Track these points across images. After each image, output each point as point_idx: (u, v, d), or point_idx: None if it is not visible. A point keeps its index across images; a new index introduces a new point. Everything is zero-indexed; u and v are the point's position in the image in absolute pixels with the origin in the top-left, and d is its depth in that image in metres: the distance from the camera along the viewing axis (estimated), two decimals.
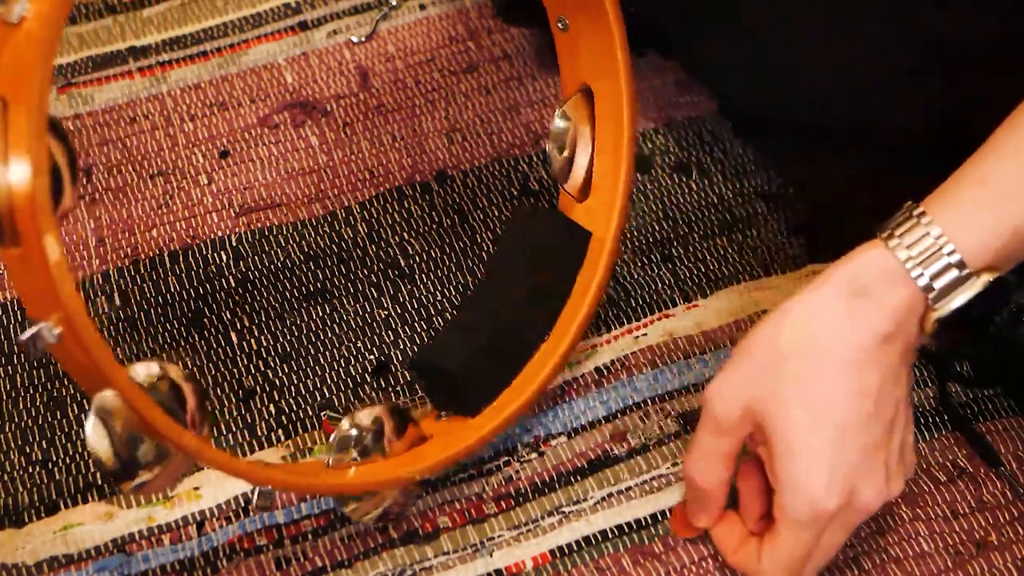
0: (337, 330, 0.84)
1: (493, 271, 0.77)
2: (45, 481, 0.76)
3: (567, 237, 0.76)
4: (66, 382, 0.81)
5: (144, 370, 0.58)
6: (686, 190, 0.92)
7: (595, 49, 0.74)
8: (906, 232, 0.61)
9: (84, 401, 0.80)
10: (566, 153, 0.76)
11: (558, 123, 0.76)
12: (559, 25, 0.75)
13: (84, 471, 0.77)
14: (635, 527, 0.75)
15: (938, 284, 0.60)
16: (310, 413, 0.80)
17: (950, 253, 0.60)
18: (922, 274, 0.60)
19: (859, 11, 0.78)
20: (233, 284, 0.86)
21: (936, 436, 0.79)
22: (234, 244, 0.88)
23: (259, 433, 0.79)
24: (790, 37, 0.80)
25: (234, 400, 0.81)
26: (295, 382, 0.82)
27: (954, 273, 0.60)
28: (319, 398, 0.81)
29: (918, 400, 0.81)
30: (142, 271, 0.87)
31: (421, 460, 0.69)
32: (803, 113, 0.82)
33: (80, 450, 0.78)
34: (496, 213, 0.90)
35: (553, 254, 0.76)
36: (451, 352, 0.73)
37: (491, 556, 0.74)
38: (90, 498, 0.76)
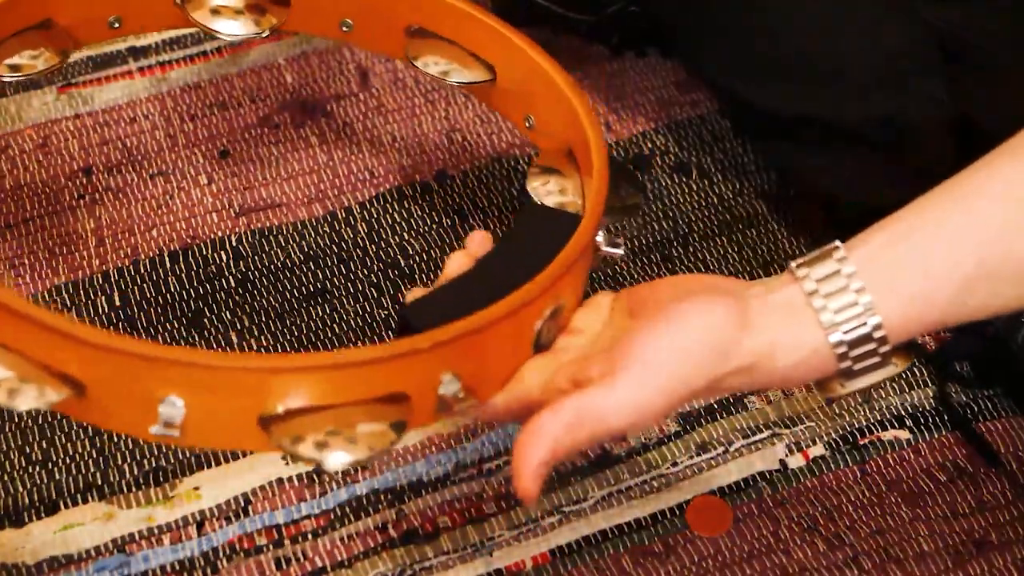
0: (337, 330, 0.84)
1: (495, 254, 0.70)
2: (45, 481, 0.76)
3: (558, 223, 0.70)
4: None
5: None
6: (686, 190, 0.92)
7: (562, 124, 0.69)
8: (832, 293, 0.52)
9: None
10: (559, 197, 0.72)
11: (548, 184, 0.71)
12: (527, 124, 0.72)
13: (84, 471, 0.77)
14: (635, 527, 0.75)
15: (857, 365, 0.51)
16: None
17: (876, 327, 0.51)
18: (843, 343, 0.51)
19: (868, 6, 0.79)
20: (233, 284, 0.86)
21: (936, 436, 0.79)
22: (234, 244, 0.88)
23: None
24: (799, 31, 0.80)
25: None
26: None
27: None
28: None
29: (918, 400, 0.81)
30: (142, 271, 0.87)
31: None
32: (810, 108, 0.82)
33: (80, 450, 0.78)
34: (496, 213, 0.90)
35: (541, 240, 0.69)
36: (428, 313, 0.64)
37: (491, 556, 0.74)
38: (90, 498, 0.76)
